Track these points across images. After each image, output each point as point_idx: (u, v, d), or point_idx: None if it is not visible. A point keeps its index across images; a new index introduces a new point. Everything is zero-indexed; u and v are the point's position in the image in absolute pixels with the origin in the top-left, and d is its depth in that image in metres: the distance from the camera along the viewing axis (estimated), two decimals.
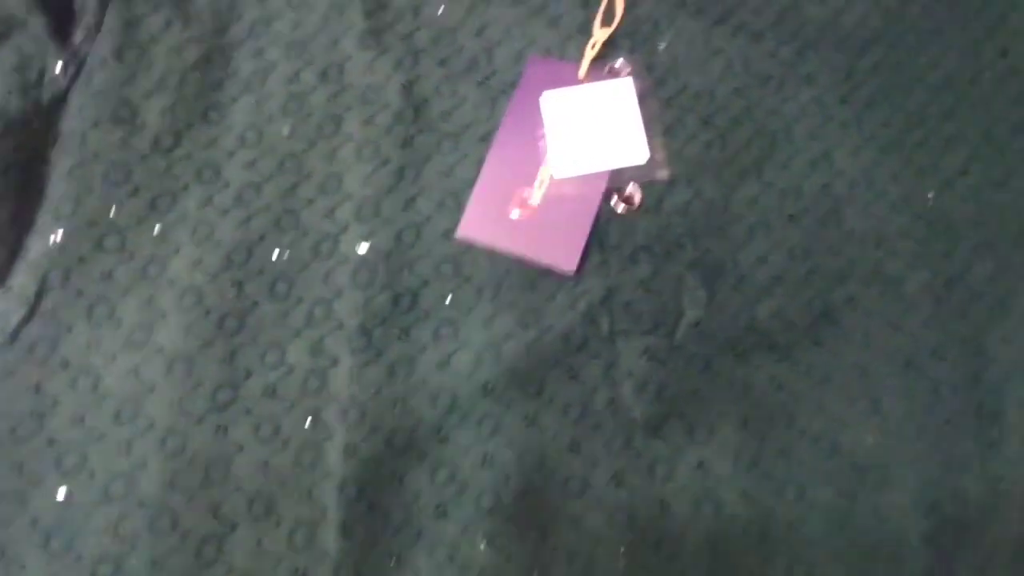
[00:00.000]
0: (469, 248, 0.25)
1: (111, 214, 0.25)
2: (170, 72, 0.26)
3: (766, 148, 0.28)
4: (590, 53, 0.27)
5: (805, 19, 0.29)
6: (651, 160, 0.26)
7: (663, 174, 0.26)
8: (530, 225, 0.26)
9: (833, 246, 0.27)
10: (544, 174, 0.26)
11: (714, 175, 0.27)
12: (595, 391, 0.24)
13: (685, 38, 0.28)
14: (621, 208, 0.26)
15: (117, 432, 0.23)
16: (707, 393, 0.25)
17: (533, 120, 0.27)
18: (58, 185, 0.25)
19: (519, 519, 0.23)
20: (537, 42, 0.28)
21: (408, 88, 0.27)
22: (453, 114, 0.27)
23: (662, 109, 0.27)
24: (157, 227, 0.25)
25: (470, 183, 0.26)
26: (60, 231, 0.25)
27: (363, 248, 0.25)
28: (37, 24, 0.25)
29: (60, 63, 0.25)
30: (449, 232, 0.26)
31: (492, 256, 0.25)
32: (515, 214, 0.26)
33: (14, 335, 0.24)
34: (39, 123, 0.25)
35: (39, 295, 0.24)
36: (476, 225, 0.26)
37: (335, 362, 0.24)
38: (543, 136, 0.27)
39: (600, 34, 0.28)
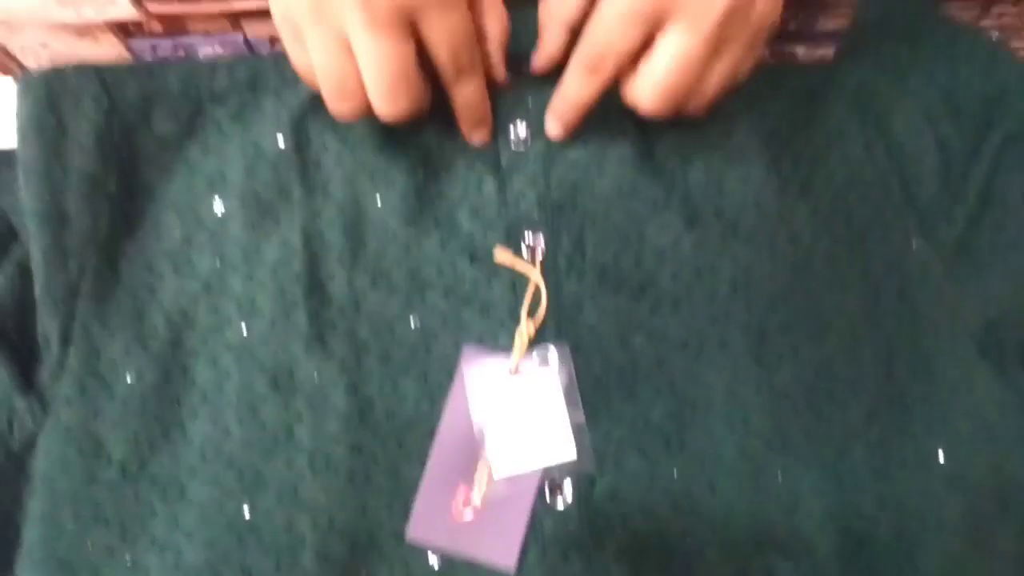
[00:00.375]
0: (421, 548, 0.28)
1: (83, 551, 0.27)
2: (132, 398, 0.29)
3: (687, 417, 0.30)
4: (519, 344, 0.30)
5: (717, 283, 0.32)
6: (580, 453, 0.29)
7: (591, 466, 0.29)
8: (473, 524, 0.28)
9: (754, 512, 0.29)
10: (483, 473, 0.29)
11: (640, 454, 0.29)
12: None
13: (609, 314, 0.31)
14: (554, 501, 0.28)
15: None
16: None
17: (471, 417, 0.29)
18: (32, 530, 0.27)
19: None
20: (471, 330, 0.31)
21: (353, 390, 0.29)
22: (397, 413, 0.29)
23: (590, 391, 0.30)
24: (128, 557, 0.27)
25: (416, 483, 0.28)
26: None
27: (318, 560, 0.27)
28: (3, 376, 0.27)
29: (27, 409, 0.28)
30: (399, 536, 0.28)
31: (442, 555, 0.28)
32: (459, 514, 0.28)
33: None
34: (11, 470, 0.27)
35: None
36: (424, 527, 0.28)
37: None
38: (480, 433, 0.29)
39: (528, 326, 0.30)
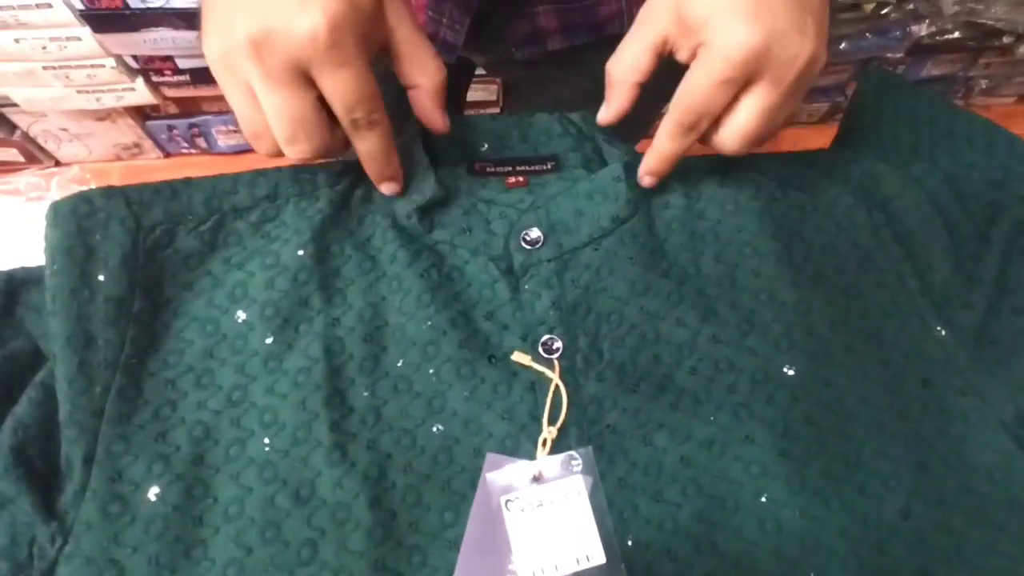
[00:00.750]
0: None
1: None
2: (153, 519, 0.28)
3: (717, 518, 0.30)
4: (542, 452, 0.30)
5: (737, 377, 0.32)
6: (609, 559, 0.28)
7: (620, 572, 0.28)
8: None
9: None
10: None
11: (670, 559, 0.29)
12: None
13: (630, 414, 0.31)
14: None
15: None
16: None
17: (496, 526, 0.29)
18: None
19: None
20: (493, 435, 0.30)
21: (376, 502, 0.29)
22: (420, 525, 0.29)
23: (616, 493, 0.29)
24: None
25: None
26: None
27: None
28: (25, 504, 0.27)
29: (49, 537, 0.27)
30: None
31: None
32: None
33: None
34: None
35: None
36: None
37: None
38: (507, 542, 0.29)
39: (549, 432, 0.30)
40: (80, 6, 0.92)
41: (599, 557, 0.28)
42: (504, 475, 0.29)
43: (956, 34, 1.17)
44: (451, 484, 0.30)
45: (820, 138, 0.44)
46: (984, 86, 1.36)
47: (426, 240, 0.34)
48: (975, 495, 0.31)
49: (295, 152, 0.29)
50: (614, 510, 0.29)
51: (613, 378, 0.31)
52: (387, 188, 0.33)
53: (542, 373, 0.31)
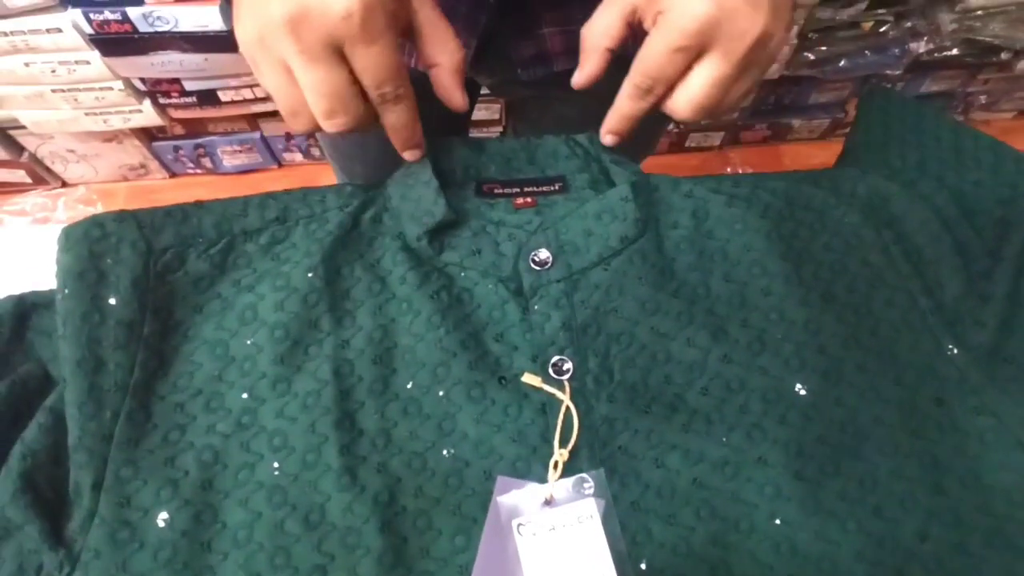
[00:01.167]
0: None
1: None
2: (162, 545, 0.28)
3: (731, 541, 0.29)
4: (553, 475, 0.29)
5: (748, 397, 0.31)
6: None
7: None
8: None
9: None
10: None
11: None
12: None
13: (641, 435, 0.31)
14: None
15: None
16: None
17: (507, 550, 0.28)
18: None
19: None
20: (504, 457, 0.30)
21: (387, 527, 0.28)
22: (431, 550, 0.28)
23: (628, 516, 0.29)
24: None
25: None
26: None
27: None
28: (33, 532, 0.27)
29: (57, 565, 0.27)
30: None
31: None
32: None
33: None
34: None
35: None
36: None
37: None
38: (518, 567, 0.28)
39: (560, 455, 0.30)
40: (89, 31, 0.93)
41: None
42: (515, 498, 0.29)
43: (954, 51, 1.18)
44: (462, 508, 0.29)
45: (822, 154, 0.44)
46: (983, 101, 1.37)
47: (436, 262, 0.34)
48: (993, 516, 0.30)
49: (334, 125, 0.30)
50: (627, 533, 0.29)
51: (624, 399, 0.31)
52: (411, 155, 0.35)
53: (552, 395, 0.31)
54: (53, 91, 1.04)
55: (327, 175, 0.68)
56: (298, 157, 1.31)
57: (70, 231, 0.31)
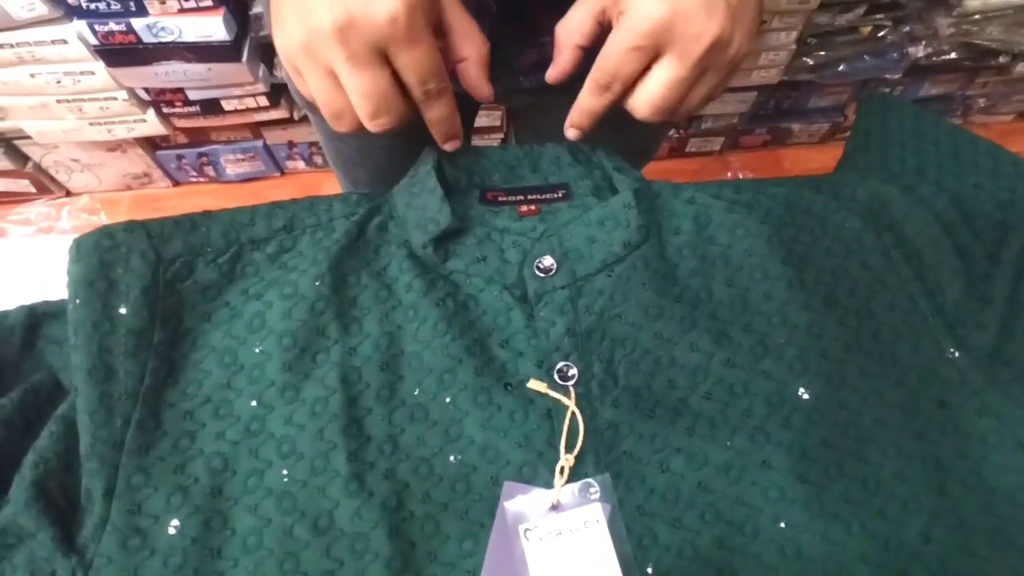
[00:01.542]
0: None
1: None
2: (173, 552, 0.28)
3: (736, 544, 0.29)
4: (560, 480, 0.30)
5: (752, 401, 0.32)
6: None
7: None
8: None
9: None
10: None
11: None
12: None
13: (646, 440, 0.31)
14: None
15: None
16: None
17: (514, 555, 0.29)
18: None
19: None
20: (510, 462, 0.30)
21: (395, 533, 0.29)
22: (438, 555, 0.29)
23: (634, 520, 0.29)
24: None
25: None
26: None
27: None
28: (45, 539, 0.27)
29: (69, 572, 0.27)
30: None
31: None
32: None
33: None
34: None
35: None
36: None
37: None
38: (525, 572, 0.28)
39: (566, 460, 0.30)
40: (94, 42, 0.94)
41: None
42: (522, 504, 0.29)
43: (952, 55, 1.18)
44: (469, 513, 0.29)
45: (822, 157, 0.44)
46: (982, 104, 1.38)
47: (441, 270, 0.34)
48: (996, 517, 0.30)
49: (378, 125, 0.31)
50: (633, 538, 0.29)
51: (629, 404, 0.31)
52: (451, 145, 0.36)
53: (558, 400, 0.31)
54: (58, 101, 1.04)
55: (330, 183, 0.69)
56: (301, 165, 1.32)
57: (81, 242, 0.31)
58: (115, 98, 1.05)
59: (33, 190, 1.28)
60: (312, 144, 1.25)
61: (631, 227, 0.34)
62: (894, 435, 0.31)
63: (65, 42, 0.94)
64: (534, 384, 0.32)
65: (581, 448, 0.30)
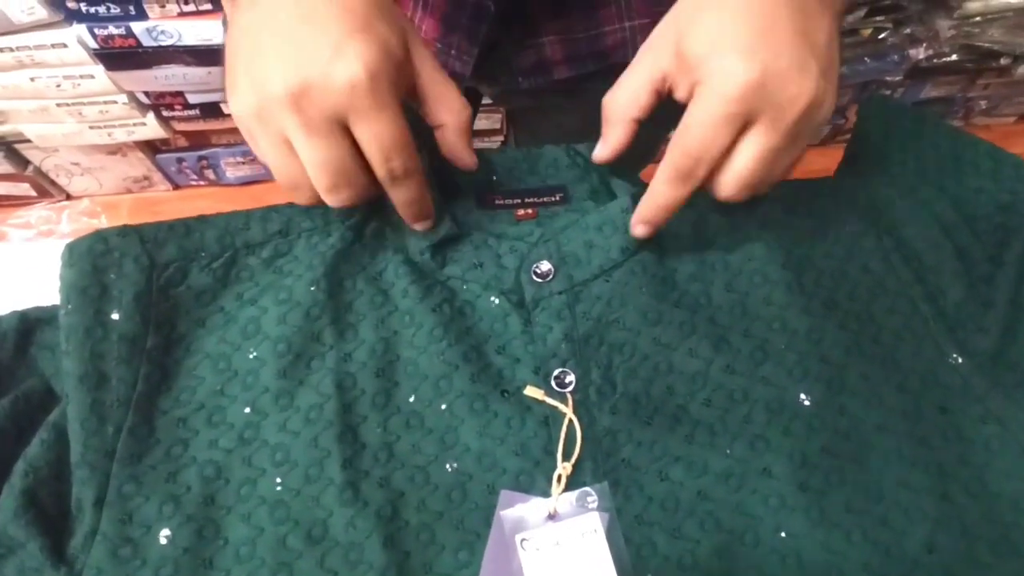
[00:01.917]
0: None
1: None
2: (164, 562, 0.28)
3: (737, 552, 0.29)
4: (557, 488, 0.29)
5: (752, 408, 0.31)
6: None
7: None
8: None
9: None
10: None
11: None
12: None
13: (645, 447, 0.30)
14: None
15: None
16: None
17: (511, 565, 0.28)
18: None
19: None
20: (507, 471, 0.30)
21: (390, 542, 0.28)
22: (434, 565, 0.28)
23: (633, 530, 0.29)
24: None
25: None
26: None
27: None
28: (35, 549, 0.27)
29: None
30: None
31: None
32: None
33: None
34: None
35: None
36: None
37: None
38: None
39: (564, 468, 0.30)
40: (94, 45, 0.94)
41: None
42: (518, 513, 0.29)
43: (953, 57, 1.18)
44: (465, 522, 0.29)
45: (822, 160, 0.44)
46: (983, 106, 1.37)
47: (438, 275, 0.34)
48: (1000, 525, 0.30)
49: (337, 200, 0.29)
50: (631, 547, 0.29)
51: (627, 410, 0.31)
52: (421, 226, 0.33)
53: (555, 407, 0.31)
54: (58, 105, 1.05)
55: None
56: None
57: (74, 246, 0.31)
58: (115, 102, 1.05)
59: (33, 193, 1.28)
60: None
61: (629, 232, 0.34)
62: (896, 441, 0.31)
63: (65, 46, 0.94)
64: (531, 391, 0.31)
65: (579, 456, 0.30)
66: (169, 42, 0.95)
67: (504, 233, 0.36)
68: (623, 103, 0.31)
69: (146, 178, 1.29)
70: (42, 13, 0.89)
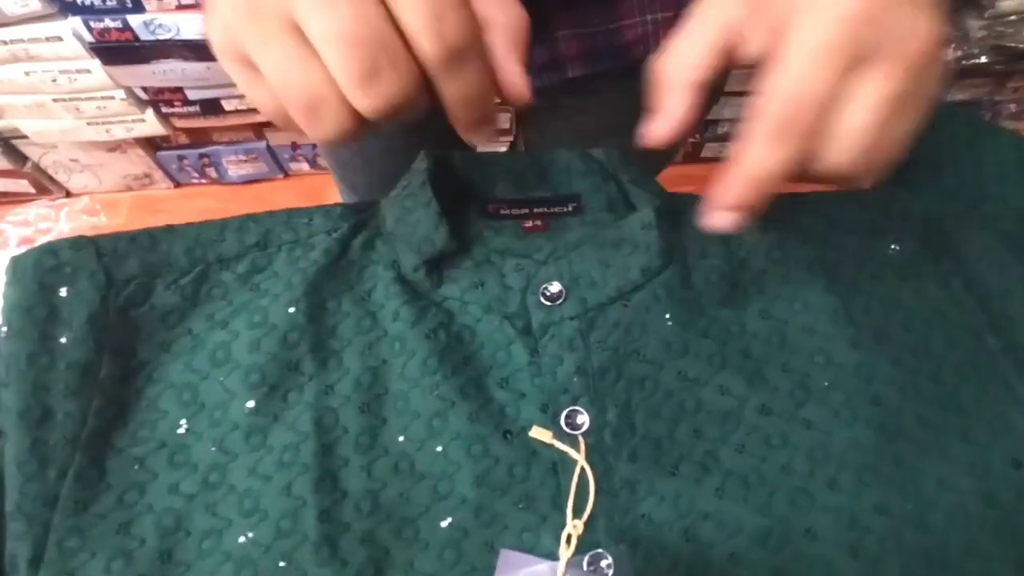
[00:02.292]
0: None
1: None
2: None
3: None
4: (566, 550, 0.25)
5: (792, 456, 0.27)
6: None
7: None
8: None
9: None
10: None
11: None
12: None
13: (668, 501, 0.26)
14: None
15: None
16: None
17: None
18: None
19: None
20: (509, 526, 0.26)
21: None
22: None
23: None
24: None
25: None
26: None
27: None
28: None
29: None
30: None
31: None
32: None
33: None
34: None
35: None
36: None
37: None
38: None
39: (574, 527, 0.25)
40: (90, 39, 0.91)
41: None
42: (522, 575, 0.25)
43: (983, 58, 1.13)
44: None
45: None
46: (1012, 110, 1.32)
47: (433, 296, 0.30)
48: None
49: (379, 98, 0.20)
50: None
51: (648, 457, 0.27)
52: (478, 137, 0.25)
53: (565, 452, 0.27)
54: (54, 100, 1.02)
55: (335, 187, 0.65)
56: (305, 167, 1.28)
57: (19, 260, 0.27)
58: (113, 97, 1.02)
59: (32, 190, 1.26)
60: (316, 145, 1.22)
61: (651, 250, 0.30)
62: (961, 500, 0.27)
63: (60, 39, 0.91)
64: (537, 432, 0.27)
65: (592, 511, 0.26)
66: (167, 36, 0.91)
67: (509, 248, 0.32)
68: (684, 63, 0.24)
69: (147, 176, 1.27)
70: (36, 5, 0.86)
